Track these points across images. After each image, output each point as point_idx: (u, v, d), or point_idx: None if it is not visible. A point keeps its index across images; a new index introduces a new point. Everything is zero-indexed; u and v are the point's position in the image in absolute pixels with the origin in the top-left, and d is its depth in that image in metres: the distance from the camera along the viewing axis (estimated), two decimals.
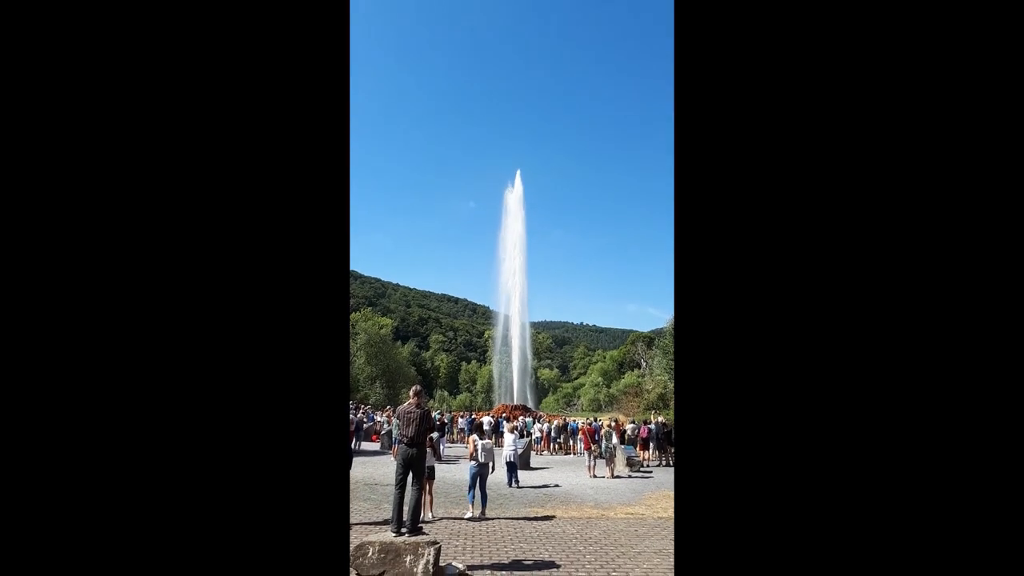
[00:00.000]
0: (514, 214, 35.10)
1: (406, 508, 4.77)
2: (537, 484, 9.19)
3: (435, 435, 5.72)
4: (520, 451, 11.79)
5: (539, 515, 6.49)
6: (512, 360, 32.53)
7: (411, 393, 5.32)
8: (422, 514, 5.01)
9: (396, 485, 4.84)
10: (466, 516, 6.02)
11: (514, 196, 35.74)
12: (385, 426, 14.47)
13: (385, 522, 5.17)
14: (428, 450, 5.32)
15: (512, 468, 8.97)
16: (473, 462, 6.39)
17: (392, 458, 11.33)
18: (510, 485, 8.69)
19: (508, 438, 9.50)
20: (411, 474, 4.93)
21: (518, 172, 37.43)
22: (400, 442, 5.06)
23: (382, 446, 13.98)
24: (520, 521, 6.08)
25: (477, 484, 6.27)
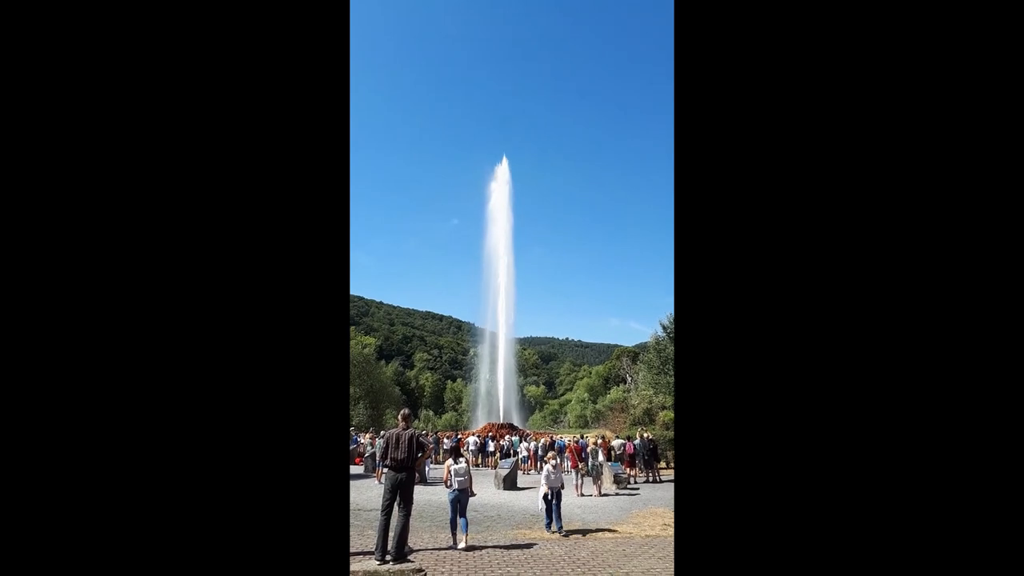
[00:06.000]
0: (499, 220, 34.56)
1: (391, 535, 4.69)
2: (524, 506, 9.10)
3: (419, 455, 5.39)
4: (507, 471, 11.66)
5: (526, 537, 6.43)
6: (498, 377, 32.29)
7: (399, 417, 5.29)
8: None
9: (382, 511, 4.77)
10: (458, 547, 5.68)
11: (499, 196, 35.06)
12: (369, 448, 14.20)
13: (369, 552, 5.07)
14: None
15: (552, 505, 6.77)
16: (449, 489, 5.91)
17: (376, 482, 11.09)
18: (549, 528, 6.75)
19: (546, 470, 7.03)
20: (398, 499, 4.85)
21: (504, 158, 36.18)
22: (387, 466, 5.00)
23: (365, 469, 13.71)
24: (508, 544, 6.02)
25: (458, 511, 5.86)
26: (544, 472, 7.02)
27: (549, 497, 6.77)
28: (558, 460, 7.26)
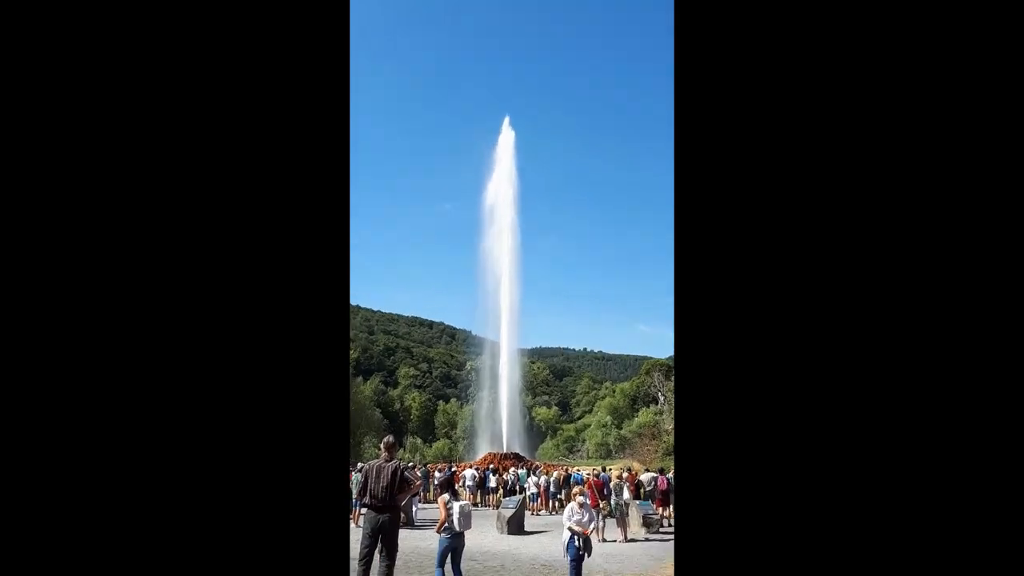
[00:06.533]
0: (502, 202, 33.99)
1: None
2: (533, 553, 9.11)
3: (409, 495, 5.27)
4: (512, 511, 11.69)
5: None
6: (500, 397, 32.30)
7: (382, 446, 5.27)
8: None
9: (360, 560, 4.77)
10: None
11: (502, 172, 34.25)
12: None
13: None
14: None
15: (576, 559, 6.24)
16: (445, 533, 5.52)
17: (353, 524, 11.13)
18: None
19: (570, 509, 6.56)
20: (379, 546, 4.83)
21: (506, 120, 35.07)
22: (365, 505, 4.97)
23: None
24: None
25: (448, 561, 5.53)
26: (568, 511, 6.51)
27: (577, 544, 6.20)
28: (587, 496, 6.50)
